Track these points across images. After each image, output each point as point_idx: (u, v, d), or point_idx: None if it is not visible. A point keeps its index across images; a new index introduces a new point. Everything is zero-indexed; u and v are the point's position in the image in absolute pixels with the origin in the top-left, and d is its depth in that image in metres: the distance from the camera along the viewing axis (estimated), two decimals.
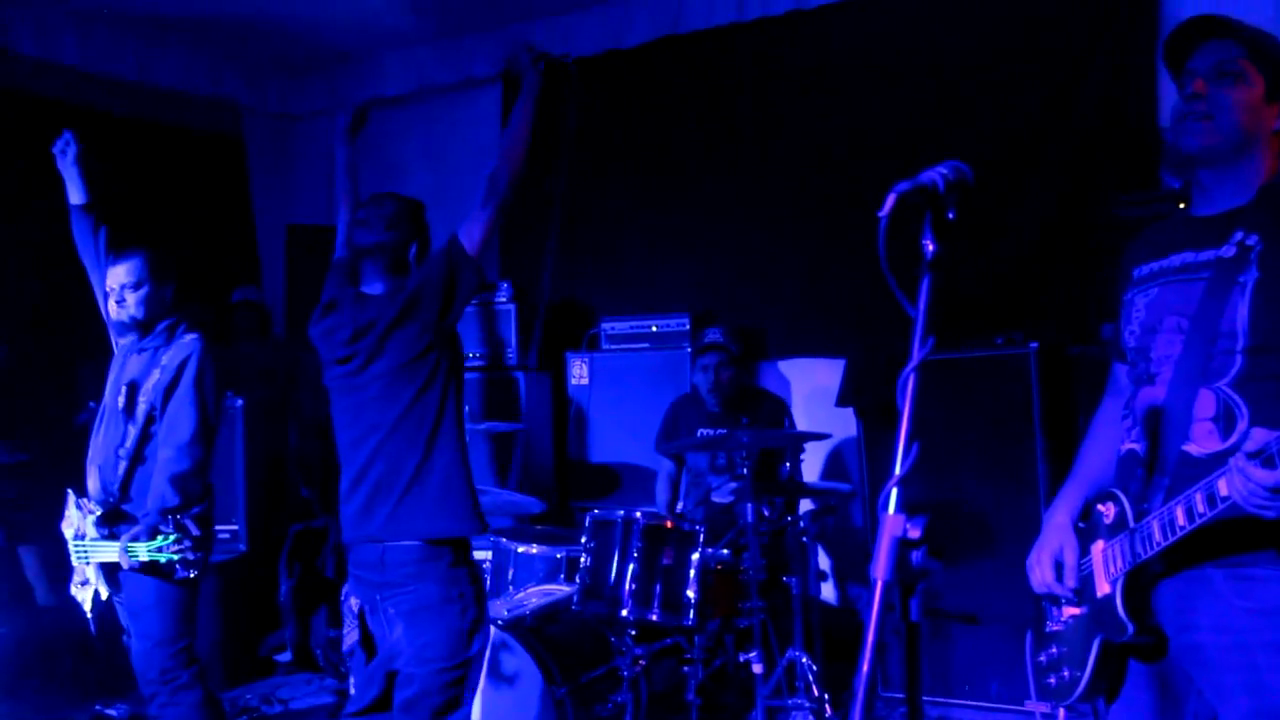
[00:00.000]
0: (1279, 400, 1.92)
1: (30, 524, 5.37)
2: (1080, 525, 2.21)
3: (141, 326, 3.74)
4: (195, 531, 3.48)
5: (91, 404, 5.54)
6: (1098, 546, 2.10)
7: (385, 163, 6.80)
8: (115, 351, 3.89)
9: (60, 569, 5.38)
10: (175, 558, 3.41)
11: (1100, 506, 2.12)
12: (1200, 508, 1.82)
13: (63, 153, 3.85)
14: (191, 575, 3.48)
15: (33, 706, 4.97)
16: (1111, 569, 2.05)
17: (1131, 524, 2.01)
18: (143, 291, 3.71)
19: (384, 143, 6.84)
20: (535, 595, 4.23)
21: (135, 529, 3.48)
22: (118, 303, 3.72)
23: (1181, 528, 1.87)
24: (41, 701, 5.01)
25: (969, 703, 4.66)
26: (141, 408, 3.64)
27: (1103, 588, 2.07)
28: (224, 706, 4.11)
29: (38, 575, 5.48)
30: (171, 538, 3.41)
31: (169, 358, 3.68)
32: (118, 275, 3.73)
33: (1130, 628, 2.00)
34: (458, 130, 6.83)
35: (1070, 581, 2.18)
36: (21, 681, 5.04)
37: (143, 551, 3.42)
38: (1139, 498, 2.03)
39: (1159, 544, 1.92)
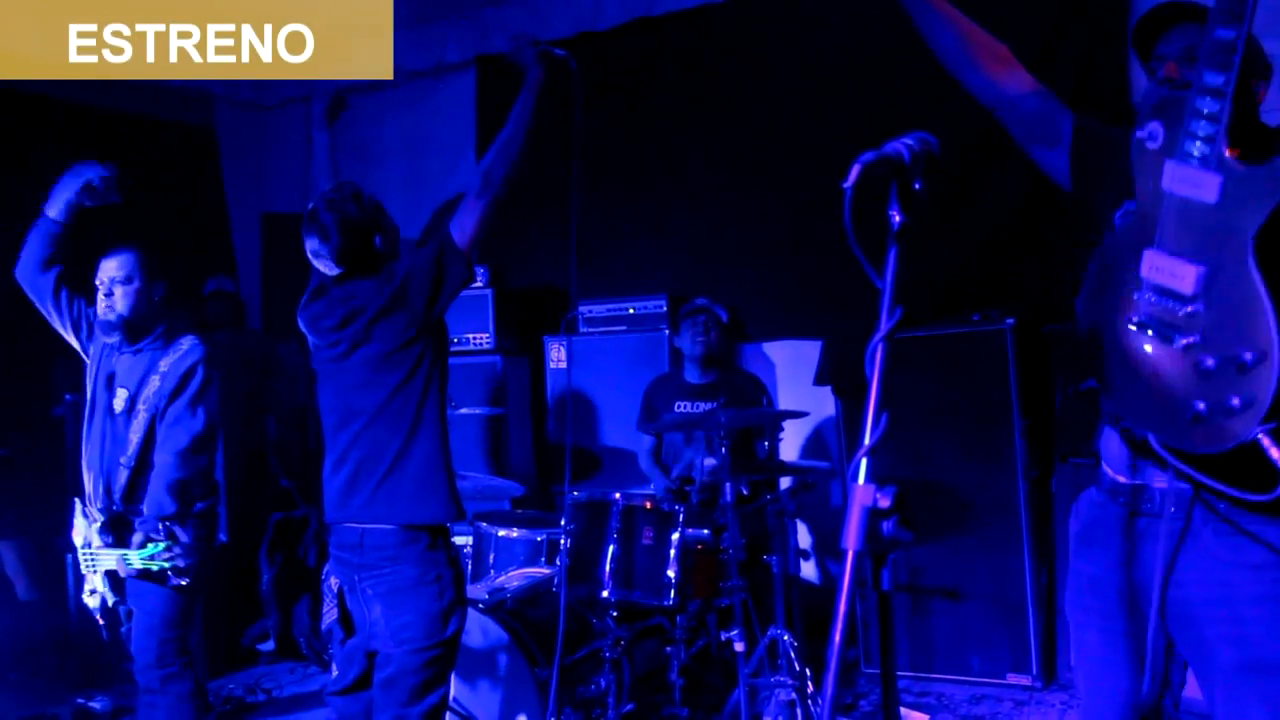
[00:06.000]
0: None
1: (10, 519, 5.35)
2: None
3: (128, 328, 3.66)
4: (184, 539, 3.49)
5: (68, 396, 5.51)
6: None
7: (360, 149, 6.77)
8: (90, 353, 3.81)
9: (39, 564, 5.41)
10: (166, 565, 3.42)
11: None
12: None
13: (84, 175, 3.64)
14: (183, 583, 3.48)
15: (15, 700, 4.95)
16: None
17: None
18: (133, 287, 3.65)
19: (358, 129, 6.79)
20: (516, 578, 4.24)
21: (134, 536, 3.50)
22: (105, 296, 3.65)
23: None
24: (23, 696, 4.99)
25: (951, 677, 4.70)
26: (142, 416, 3.60)
27: None
28: (209, 698, 4.12)
29: (18, 570, 5.45)
30: (162, 545, 3.42)
31: (169, 363, 3.63)
32: (108, 269, 3.66)
33: None
34: (432, 116, 6.79)
35: None
36: (3, 675, 5.03)
37: (135, 559, 3.44)
38: None
39: None
